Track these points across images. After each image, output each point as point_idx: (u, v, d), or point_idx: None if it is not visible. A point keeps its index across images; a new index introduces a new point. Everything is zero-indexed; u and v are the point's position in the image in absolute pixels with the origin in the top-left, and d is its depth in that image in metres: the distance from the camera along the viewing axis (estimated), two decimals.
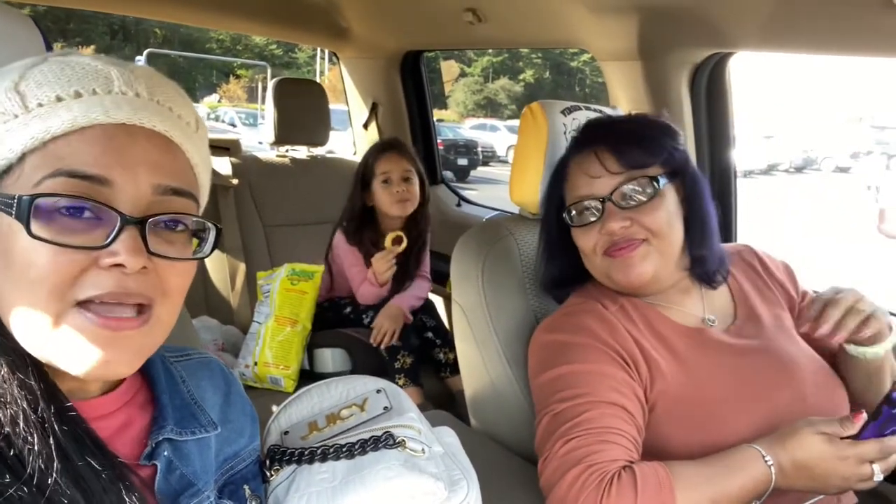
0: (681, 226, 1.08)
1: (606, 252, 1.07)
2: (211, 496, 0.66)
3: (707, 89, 1.69)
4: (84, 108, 0.54)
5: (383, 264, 1.98)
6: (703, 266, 1.12)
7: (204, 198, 0.65)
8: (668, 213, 1.05)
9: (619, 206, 1.05)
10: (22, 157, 0.53)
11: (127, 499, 0.54)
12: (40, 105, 0.53)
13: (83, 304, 0.53)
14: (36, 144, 0.53)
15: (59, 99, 0.54)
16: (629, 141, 1.07)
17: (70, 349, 0.53)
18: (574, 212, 1.10)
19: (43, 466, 0.50)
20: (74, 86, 0.54)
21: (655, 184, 1.05)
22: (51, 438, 0.51)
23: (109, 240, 0.53)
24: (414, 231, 2.11)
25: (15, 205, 0.51)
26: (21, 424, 0.50)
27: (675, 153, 1.09)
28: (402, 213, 2.07)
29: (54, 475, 0.50)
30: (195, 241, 0.60)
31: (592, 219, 1.07)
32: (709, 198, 1.12)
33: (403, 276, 2.12)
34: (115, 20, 29.06)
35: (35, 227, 0.51)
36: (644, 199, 1.04)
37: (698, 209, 1.09)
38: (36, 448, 0.50)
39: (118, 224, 0.53)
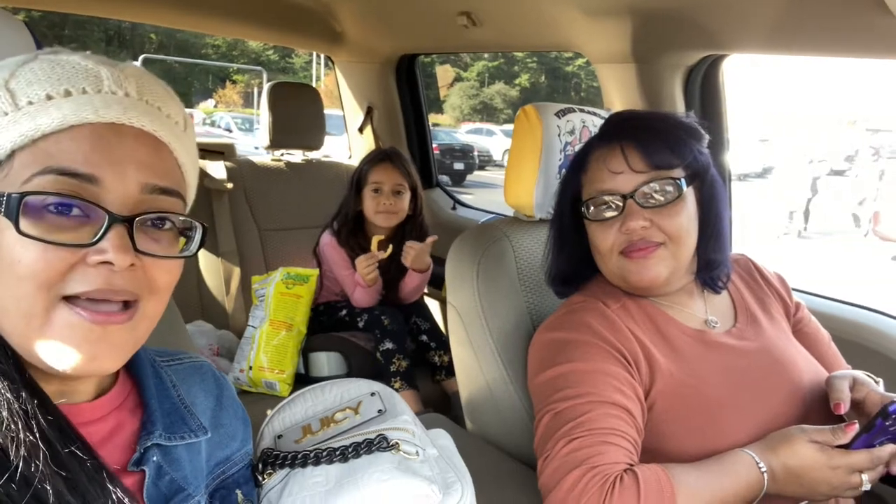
0: (696, 230, 1.07)
1: (623, 252, 1.05)
2: (202, 500, 0.66)
3: (701, 91, 1.69)
4: (74, 107, 0.54)
5: (363, 267, 1.98)
6: (712, 270, 1.11)
7: (191, 197, 0.65)
8: (687, 217, 1.04)
9: (641, 205, 1.03)
10: (11, 155, 0.54)
11: (111, 487, 0.54)
12: (30, 103, 0.54)
13: (70, 300, 0.53)
14: (25, 142, 0.53)
15: (49, 97, 0.54)
16: (657, 140, 1.05)
17: (58, 346, 0.53)
18: (592, 206, 1.07)
19: (27, 455, 0.50)
20: (65, 84, 0.55)
21: (679, 186, 1.03)
22: (35, 428, 0.51)
23: (97, 238, 0.53)
24: (401, 243, 2.09)
25: (4, 202, 0.52)
26: (4, 414, 0.50)
27: (700, 157, 1.07)
28: (385, 224, 2.08)
29: (39, 464, 0.50)
30: (182, 239, 0.61)
31: (611, 214, 1.05)
32: (726, 203, 1.11)
33: (397, 280, 2.12)
34: (110, 26, 29.05)
35: (24, 225, 0.52)
36: (667, 200, 1.03)
37: (715, 214, 1.08)
38: (20, 436, 0.50)
39: (106, 222, 0.53)
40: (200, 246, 0.62)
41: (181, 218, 0.60)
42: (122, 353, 0.57)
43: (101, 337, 0.54)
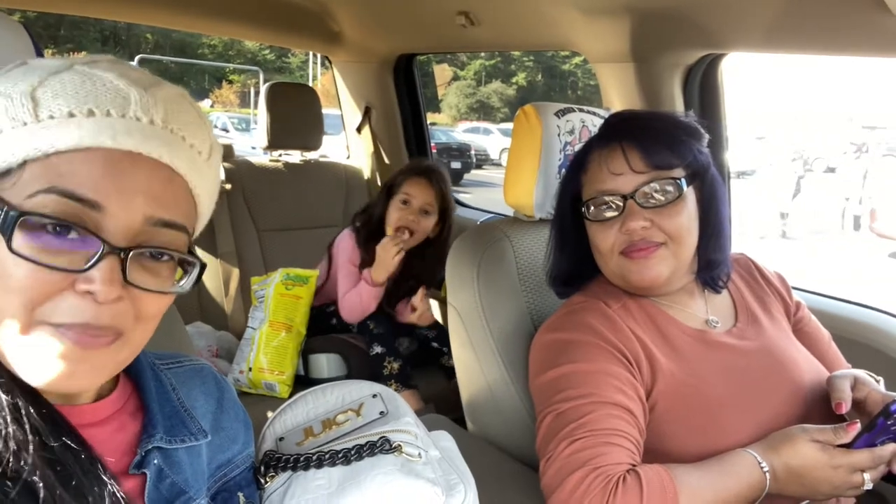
0: (697, 229, 1.06)
1: (623, 252, 1.05)
2: (203, 503, 0.65)
3: (700, 91, 1.69)
4: (93, 130, 0.53)
5: (389, 249, 1.89)
6: (712, 270, 1.11)
7: (201, 224, 0.64)
8: (687, 217, 1.04)
9: (641, 205, 1.03)
10: (23, 164, 0.53)
11: (105, 479, 0.53)
12: (51, 117, 0.53)
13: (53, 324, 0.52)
14: (38, 155, 0.52)
15: (71, 115, 0.53)
16: (658, 140, 1.05)
17: (35, 359, 0.52)
18: (592, 206, 1.07)
19: (16, 448, 0.49)
20: (90, 104, 0.53)
21: (679, 186, 1.03)
22: (26, 422, 0.50)
23: (88, 265, 0.52)
24: (419, 265, 2.03)
25: (2, 215, 0.51)
26: None
27: (700, 156, 1.07)
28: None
29: (29, 458, 0.49)
30: (180, 271, 0.60)
31: (611, 214, 1.05)
32: (726, 202, 1.11)
33: (397, 292, 2.07)
34: (106, 26, 29.03)
35: (17, 242, 0.51)
36: (667, 200, 1.03)
37: (715, 214, 1.08)
38: (9, 429, 0.49)
39: (100, 251, 0.52)
40: (196, 283, 0.60)
41: (178, 255, 0.58)
42: (102, 375, 0.56)
43: (82, 358, 0.53)
